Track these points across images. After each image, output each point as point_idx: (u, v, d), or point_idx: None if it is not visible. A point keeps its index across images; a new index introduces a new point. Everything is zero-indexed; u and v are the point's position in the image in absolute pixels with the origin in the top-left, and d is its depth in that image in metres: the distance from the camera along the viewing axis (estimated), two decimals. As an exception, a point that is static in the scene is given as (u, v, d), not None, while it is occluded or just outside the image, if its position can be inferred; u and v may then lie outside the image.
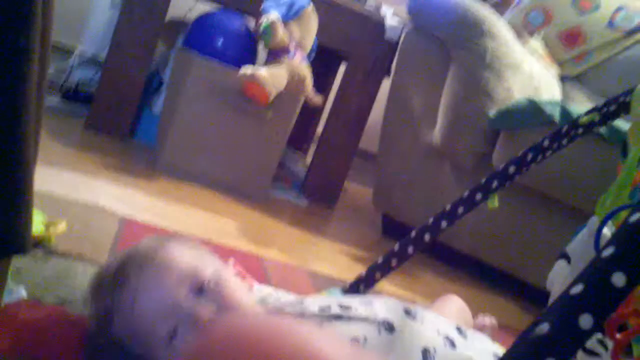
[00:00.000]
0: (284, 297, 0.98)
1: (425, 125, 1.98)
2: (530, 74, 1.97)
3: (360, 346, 0.82)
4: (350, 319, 0.87)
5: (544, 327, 0.44)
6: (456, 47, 1.89)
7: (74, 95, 2.38)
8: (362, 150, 2.96)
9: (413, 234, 1.14)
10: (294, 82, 1.89)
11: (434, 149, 1.96)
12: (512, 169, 1.10)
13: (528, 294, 1.86)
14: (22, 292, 0.90)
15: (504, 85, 1.84)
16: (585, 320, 0.44)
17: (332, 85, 2.66)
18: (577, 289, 0.45)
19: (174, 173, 1.88)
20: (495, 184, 1.10)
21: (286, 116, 1.94)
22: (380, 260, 1.17)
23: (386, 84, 2.23)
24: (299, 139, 2.68)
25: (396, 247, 1.15)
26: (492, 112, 1.80)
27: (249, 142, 1.93)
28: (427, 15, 1.98)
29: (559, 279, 0.93)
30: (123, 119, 2.13)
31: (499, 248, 1.90)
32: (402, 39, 2.12)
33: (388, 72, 2.29)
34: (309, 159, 2.59)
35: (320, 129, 2.52)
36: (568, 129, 1.09)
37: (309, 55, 2.02)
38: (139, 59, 2.11)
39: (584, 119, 1.08)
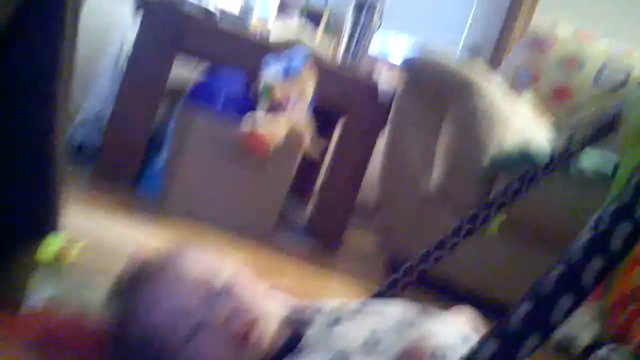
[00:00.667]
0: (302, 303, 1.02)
1: (423, 173, 2.05)
2: (519, 129, 2.06)
3: (377, 339, 0.86)
4: (366, 314, 0.93)
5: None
6: (449, 105, 1.99)
7: (78, 152, 2.44)
8: (364, 201, 3.02)
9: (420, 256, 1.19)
10: (294, 135, 1.97)
11: (432, 196, 2.02)
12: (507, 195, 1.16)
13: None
14: (43, 295, 0.92)
15: (495, 139, 1.94)
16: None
17: (332, 136, 2.74)
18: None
19: (180, 215, 1.94)
20: (494, 209, 1.15)
21: (286, 167, 2.02)
22: (384, 287, 1.21)
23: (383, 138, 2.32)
24: (300, 189, 2.74)
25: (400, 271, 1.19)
26: (485, 162, 1.88)
27: (251, 191, 2.00)
28: (419, 76, 2.08)
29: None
30: (127, 173, 2.19)
31: (502, 283, 1.93)
32: (396, 95, 2.22)
33: (385, 125, 2.37)
34: (311, 208, 2.65)
35: (319, 184, 2.59)
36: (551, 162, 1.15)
37: (308, 107, 2.10)
38: (140, 120, 2.19)
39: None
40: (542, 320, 0.46)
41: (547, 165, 1.15)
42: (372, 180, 2.54)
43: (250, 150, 1.89)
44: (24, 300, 0.84)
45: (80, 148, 2.47)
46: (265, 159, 1.93)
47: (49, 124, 0.67)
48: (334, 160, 2.38)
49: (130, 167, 2.20)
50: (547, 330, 0.46)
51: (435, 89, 2.02)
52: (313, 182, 2.91)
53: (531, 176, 1.16)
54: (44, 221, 0.66)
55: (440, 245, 1.20)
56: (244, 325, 0.84)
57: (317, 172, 2.86)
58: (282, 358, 0.86)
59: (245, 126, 1.87)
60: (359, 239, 2.79)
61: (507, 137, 1.94)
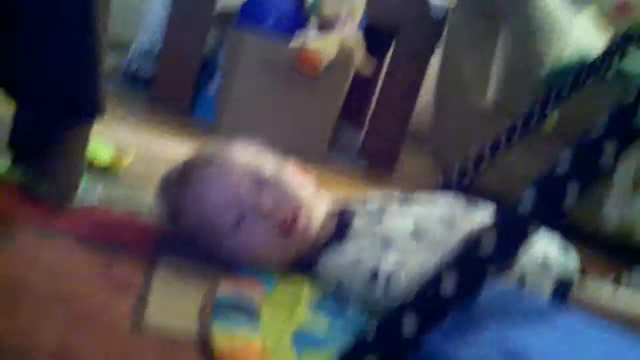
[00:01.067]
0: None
1: (478, 90, 2.00)
2: (580, 39, 1.97)
3: (420, 234, 0.88)
4: (410, 208, 0.94)
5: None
6: (505, 16, 1.92)
7: (134, 79, 2.47)
8: (416, 130, 2.98)
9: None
10: (344, 53, 1.93)
11: (487, 112, 1.97)
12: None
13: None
14: (95, 195, 0.95)
15: (554, 50, 1.86)
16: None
17: (384, 59, 2.69)
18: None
19: (233, 138, 1.94)
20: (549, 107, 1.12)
21: (338, 86, 1.99)
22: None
23: (435, 60, 2.26)
24: (353, 113, 2.72)
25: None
26: (544, 73, 1.81)
27: (303, 111, 1.99)
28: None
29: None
30: (181, 98, 2.21)
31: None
32: (449, 9, 2.16)
33: (437, 47, 2.32)
34: (363, 131, 2.62)
35: (373, 106, 2.56)
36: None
37: (359, 25, 2.06)
38: (193, 43, 2.19)
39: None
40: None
41: (595, 66, 1.10)
42: (425, 104, 2.50)
43: (301, 69, 1.87)
44: (76, 196, 0.86)
45: (135, 77, 2.50)
46: (317, 77, 1.90)
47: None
48: (386, 81, 2.34)
49: (184, 94, 2.22)
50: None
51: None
52: (365, 106, 2.87)
53: (583, 77, 1.11)
54: (89, 105, 0.66)
55: (494, 147, 1.18)
56: (290, 213, 0.85)
57: (370, 95, 2.82)
58: (329, 245, 0.88)
59: (296, 44, 1.85)
60: (413, 163, 2.76)
61: (566, 49, 1.85)
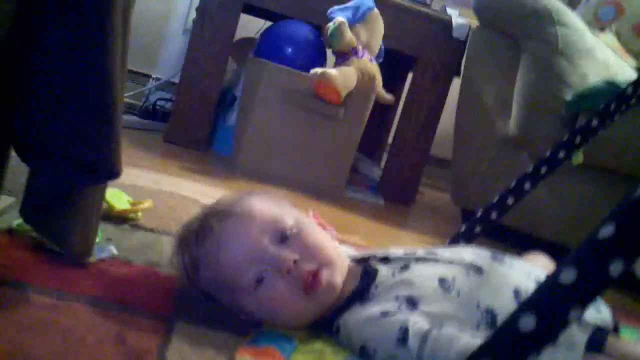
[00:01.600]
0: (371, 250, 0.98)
1: (499, 117, 1.96)
2: (605, 61, 1.92)
3: (449, 283, 0.81)
4: (436, 261, 0.87)
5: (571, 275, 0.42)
6: (527, 38, 1.88)
7: (151, 114, 2.47)
8: (436, 157, 2.95)
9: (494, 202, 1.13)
10: (364, 80, 1.90)
11: (509, 140, 1.93)
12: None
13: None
14: (113, 250, 0.93)
15: (578, 71, 1.80)
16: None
17: (402, 91, 2.66)
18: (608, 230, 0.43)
19: (251, 176, 1.91)
20: (578, 139, 1.08)
21: (358, 114, 1.96)
22: (463, 228, 1.16)
23: (456, 84, 2.23)
24: (371, 147, 2.69)
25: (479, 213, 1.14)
26: (568, 97, 1.76)
27: (322, 143, 1.95)
28: (494, 11, 1.97)
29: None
30: (199, 132, 2.20)
31: (581, 232, 1.83)
32: (470, 36, 2.13)
33: (457, 72, 2.29)
34: (382, 165, 2.59)
35: (392, 137, 2.53)
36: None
37: (377, 57, 2.04)
38: (211, 74, 2.18)
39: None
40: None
41: (630, 94, 1.06)
42: (444, 134, 2.46)
43: (322, 95, 1.84)
44: (92, 251, 0.83)
45: (153, 110, 2.50)
46: (337, 103, 1.87)
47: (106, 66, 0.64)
48: (406, 108, 2.31)
49: (202, 127, 2.21)
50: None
51: (512, 19, 1.90)
52: (383, 137, 2.85)
53: (614, 107, 1.07)
54: (105, 164, 0.64)
55: (519, 184, 1.14)
56: (312, 269, 0.81)
57: (387, 126, 2.80)
58: (351, 304, 0.84)
59: (316, 72, 1.82)
60: (432, 195, 2.72)
61: (590, 72, 1.80)
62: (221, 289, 0.84)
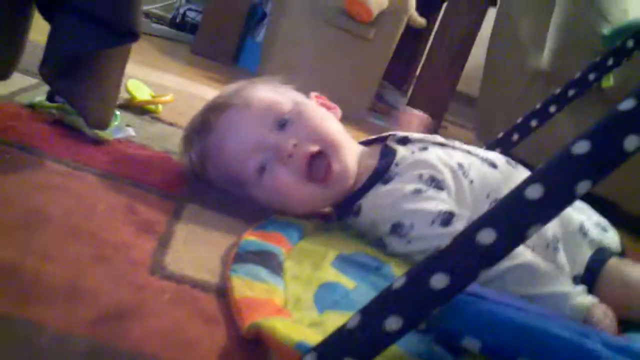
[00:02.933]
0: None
1: (533, 50, 1.90)
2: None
3: (465, 170, 0.81)
4: (454, 148, 0.88)
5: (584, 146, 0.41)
6: (567, -31, 1.81)
7: (181, 25, 2.45)
8: (463, 93, 2.90)
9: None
10: (397, 1, 1.86)
11: (540, 74, 1.88)
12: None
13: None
14: (131, 132, 0.93)
15: (619, 6, 1.74)
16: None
17: (435, 22, 2.60)
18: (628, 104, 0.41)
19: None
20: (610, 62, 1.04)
21: (389, 36, 1.92)
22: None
23: (490, 15, 2.17)
24: (399, 77, 2.65)
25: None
26: (606, 31, 1.70)
27: (350, 63, 1.92)
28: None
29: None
30: (226, 46, 2.18)
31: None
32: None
33: (493, 2, 2.22)
34: (409, 93, 2.56)
35: (420, 67, 2.49)
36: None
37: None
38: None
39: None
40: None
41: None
42: (473, 70, 2.41)
43: (353, 13, 1.80)
44: (109, 122, 0.83)
45: (183, 22, 2.48)
46: (368, 22, 1.82)
47: None
48: (437, 39, 2.26)
49: (229, 41, 2.19)
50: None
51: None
52: (412, 67, 2.80)
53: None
54: (125, 23, 0.63)
55: (539, 113, 1.12)
56: (314, 151, 0.79)
57: (417, 56, 2.75)
58: (373, 184, 0.82)
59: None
60: (456, 131, 2.69)
61: (633, 6, 1.74)
62: (229, 182, 0.84)
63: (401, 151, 0.86)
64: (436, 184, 0.79)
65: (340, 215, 0.86)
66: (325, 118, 0.85)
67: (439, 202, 0.76)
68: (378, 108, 2.30)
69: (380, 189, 0.81)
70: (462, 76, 2.35)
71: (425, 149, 0.86)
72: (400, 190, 0.79)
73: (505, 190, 0.77)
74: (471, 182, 0.81)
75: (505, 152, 1.15)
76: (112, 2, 0.61)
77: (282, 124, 0.81)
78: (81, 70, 0.68)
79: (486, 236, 0.42)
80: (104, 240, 0.61)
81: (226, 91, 0.89)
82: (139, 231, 0.66)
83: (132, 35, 0.64)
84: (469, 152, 0.87)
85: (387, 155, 0.85)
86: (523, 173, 0.86)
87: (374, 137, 0.92)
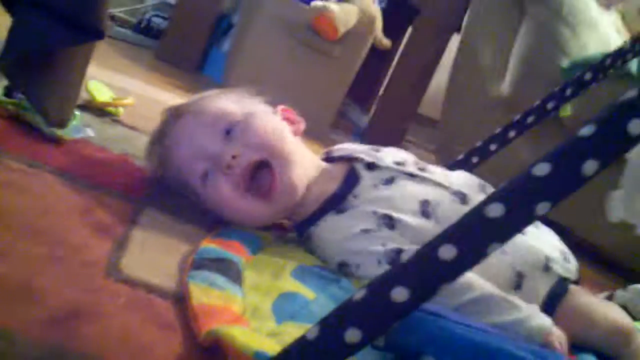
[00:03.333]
0: (358, 147, 0.93)
1: (494, 77, 1.94)
2: (606, 36, 1.91)
3: (432, 208, 0.80)
4: (423, 180, 0.84)
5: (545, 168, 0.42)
6: (532, 1, 1.86)
7: (146, 30, 2.42)
8: (424, 115, 2.94)
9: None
10: (364, 21, 1.87)
11: (501, 101, 1.92)
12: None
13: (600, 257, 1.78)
14: (90, 132, 0.91)
15: (579, 42, 1.79)
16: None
17: (399, 43, 2.63)
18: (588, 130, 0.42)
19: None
20: (568, 92, 1.07)
21: (354, 55, 1.93)
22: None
23: (453, 42, 2.22)
24: (362, 95, 2.67)
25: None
26: (565, 64, 1.75)
27: (314, 79, 1.92)
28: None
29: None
30: (191, 54, 2.16)
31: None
32: (476, -7, 2.11)
33: (458, 29, 2.27)
34: (371, 112, 2.58)
35: (383, 88, 2.51)
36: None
37: (379, 1, 2.01)
38: (207, 3, 2.14)
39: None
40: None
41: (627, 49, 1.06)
42: (434, 93, 2.45)
43: (320, 30, 1.81)
44: (68, 121, 0.81)
45: (148, 28, 2.45)
46: (334, 40, 1.83)
47: None
48: (401, 61, 2.29)
49: (194, 49, 2.17)
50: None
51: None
52: (375, 86, 2.83)
53: (610, 61, 1.07)
54: (90, 21, 0.62)
55: (498, 137, 1.14)
56: (253, 160, 0.78)
57: (380, 76, 2.77)
58: (323, 215, 0.80)
59: (316, 5, 1.79)
60: (416, 152, 2.71)
61: (590, 44, 1.79)
62: (182, 188, 0.83)
63: (366, 180, 0.83)
64: (389, 223, 0.77)
65: (296, 230, 0.85)
66: (277, 129, 0.83)
67: (387, 241, 0.75)
68: (341, 125, 2.31)
69: (333, 220, 0.79)
70: (424, 99, 2.38)
71: (390, 181, 0.83)
72: (349, 229, 0.77)
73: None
74: (437, 221, 0.78)
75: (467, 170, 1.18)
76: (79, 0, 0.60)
77: (227, 132, 0.80)
78: (42, 67, 0.67)
79: (447, 252, 0.42)
80: (58, 240, 0.59)
81: (191, 99, 0.89)
82: (95, 233, 0.65)
83: (96, 34, 0.62)
84: (440, 184, 0.84)
85: (350, 181, 0.83)
86: None
87: (342, 154, 0.90)
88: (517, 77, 1.84)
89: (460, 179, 0.87)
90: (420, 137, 2.91)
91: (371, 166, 0.85)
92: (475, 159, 1.13)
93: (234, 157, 0.77)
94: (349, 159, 0.87)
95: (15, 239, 0.56)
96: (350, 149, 0.90)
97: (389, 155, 0.88)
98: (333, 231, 0.78)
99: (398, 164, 0.86)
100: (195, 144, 0.80)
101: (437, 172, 0.87)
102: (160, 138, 0.84)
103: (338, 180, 0.84)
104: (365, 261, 0.74)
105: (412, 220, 0.78)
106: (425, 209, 0.79)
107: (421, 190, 0.82)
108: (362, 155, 0.86)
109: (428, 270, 0.43)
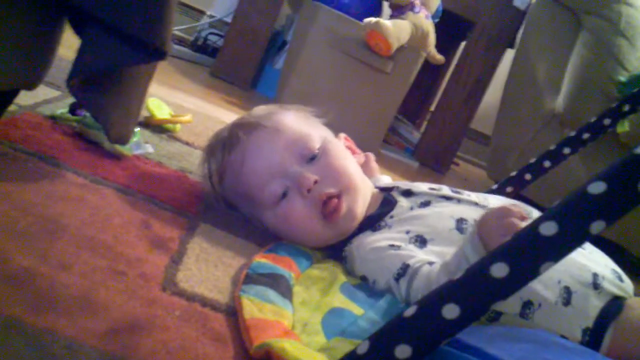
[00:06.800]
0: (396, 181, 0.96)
1: (549, 93, 1.92)
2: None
3: (468, 226, 0.79)
4: (460, 200, 0.85)
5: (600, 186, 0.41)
6: (588, 13, 1.83)
7: (202, 48, 2.48)
8: (476, 130, 2.91)
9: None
10: (417, 36, 1.88)
11: (555, 117, 1.89)
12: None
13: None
14: (149, 148, 0.94)
15: (637, 54, 1.75)
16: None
17: (453, 57, 2.62)
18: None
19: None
20: (626, 107, 1.05)
21: (407, 70, 1.93)
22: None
23: (507, 57, 2.20)
24: (413, 111, 2.67)
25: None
26: (622, 78, 1.72)
27: (366, 95, 1.93)
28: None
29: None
30: (246, 71, 2.21)
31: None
32: (530, 7, 2.09)
33: (511, 44, 2.25)
34: (422, 131, 2.57)
35: (435, 103, 2.50)
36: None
37: (433, 16, 2.00)
38: (264, 15, 2.18)
39: None
40: None
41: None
42: (486, 108, 2.42)
43: (373, 46, 1.82)
44: (129, 137, 0.84)
45: (204, 46, 2.51)
46: (388, 55, 1.84)
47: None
48: (454, 76, 2.28)
49: (249, 66, 2.21)
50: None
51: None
52: (426, 102, 2.82)
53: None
54: (155, 41, 0.64)
55: (552, 154, 1.12)
56: (332, 193, 0.80)
57: (432, 91, 2.77)
58: (363, 230, 0.83)
59: (369, 21, 1.80)
60: (467, 168, 2.69)
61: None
62: (243, 199, 0.85)
63: (402, 203, 0.85)
64: (420, 241, 0.77)
65: (338, 250, 0.86)
66: (349, 161, 0.87)
67: (410, 258, 0.74)
68: (392, 140, 2.31)
69: (365, 236, 0.81)
70: (476, 114, 2.36)
71: (427, 204, 0.84)
72: (375, 243, 0.78)
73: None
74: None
75: (516, 191, 1.16)
76: (143, 20, 0.62)
77: (310, 158, 0.83)
78: (107, 85, 0.70)
79: (499, 270, 0.42)
80: (118, 254, 0.61)
81: (257, 112, 0.91)
82: (152, 247, 0.67)
83: (161, 54, 0.65)
84: (476, 203, 0.85)
85: (387, 204, 0.86)
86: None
87: (380, 186, 0.92)
88: (573, 91, 1.81)
89: (499, 200, 0.87)
90: (471, 152, 2.89)
91: (407, 193, 0.88)
92: (528, 176, 1.12)
93: (315, 182, 0.80)
94: (385, 189, 0.90)
95: (78, 251, 0.58)
96: (387, 182, 0.95)
97: (424, 185, 0.90)
98: (362, 246, 0.80)
99: (433, 189, 0.88)
100: (275, 161, 0.82)
101: (473, 195, 0.88)
102: (228, 146, 0.86)
103: (376, 205, 0.87)
104: (379, 278, 0.75)
105: (447, 235, 0.78)
106: (461, 226, 0.80)
107: (457, 209, 0.83)
108: (398, 184, 0.90)
109: (479, 287, 0.43)
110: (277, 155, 0.82)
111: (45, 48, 0.67)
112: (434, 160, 2.30)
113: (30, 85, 0.68)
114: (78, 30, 0.68)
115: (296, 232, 0.82)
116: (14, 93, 0.72)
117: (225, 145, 0.86)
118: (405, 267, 0.73)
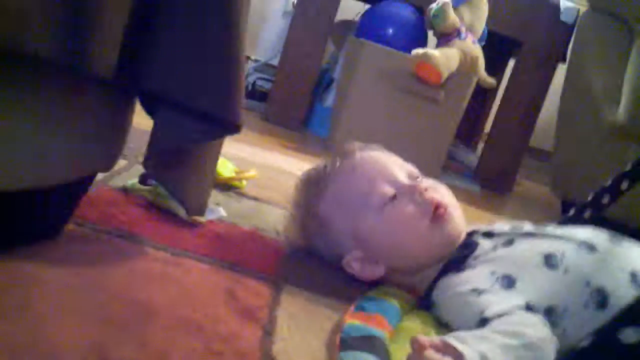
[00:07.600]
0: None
1: (607, 105, 1.86)
2: None
3: (557, 260, 0.76)
4: (544, 235, 0.83)
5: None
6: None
7: (250, 94, 2.51)
8: (535, 147, 2.85)
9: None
10: (466, 63, 1.86)
11: (617, 129, 1.83)
12: None
13: None
14: (222, 212, 0.95)
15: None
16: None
17: (502, 76, 2.59)
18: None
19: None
20: None
21: (459, 97, 1.91)
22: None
23: (559, 72, 2.15)
24: (467, 134, 2.64)
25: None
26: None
27: (421, 126, 1.91)
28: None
29: None
30: (297, 112, 2.22)
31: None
32: (578, 20, 2.05)
33: (563, 58, 2.20)
34: (478, 154, 2.53)
35: (488, 126, 2.47)
36: None
37: (480, 40, 1.98)
38: (311, 56, 2.19)
39: None
40: None
41: None
42: (548, 118, 2.37)
43: (423, 77, 1.80)
44: (205, 208, 0.85)
45: (253, 91, 2.54)
46: (438, 85, 1.82)
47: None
48: (506, 95, 2.24)
49: (299, 108, 2.22)
50: None
51: (627, 2, 1.80)
52: (480, 123, 2.78)
53: None
54: (229, 117, 0.64)
55: (631, 174, 1.08)
56: (440, 199, 0.84)
57: (485, 112, 2.73)
58: (447, 272, 0.82)
59: (417, 53, 1.79)
60: (530, 186, 2.63)
61: None
62: (341, 207, 0.87)
63: (484, 244, 0.84)
64: (507, 282, 0.75)
65: (423, 300, 0.85)
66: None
67: (493, 305, 0.71)
68: (452, 167, 2.28)
69: (450, 279, 0.81)
70: (535, 130, 2.32)
71: (510, 242, 0.83)
72: (459, 287, 0.78)
73: (608, 275, 0.73)
74: (565, 271, 0.75)
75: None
76: (216, 97, 0.63)
77: (415, 177, 0.88)
78: (182, 160, 0.70)
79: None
80: (212, 332, 0.61)
81: (348, 149, 0.94)
82: (242, 319, 0.66)
83: (234, 128, 0.65)
84: (561, 237, 0.81)
85: (468, 246, 0.85)
86: (630, 248, 0.80)
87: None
88: (633, 103, 1.76)
89: (587, 232, 0.83)
90: (533, 170, 2.83)
91: (488, 234, 0.87)
92: (606, 199, 1.08)
93: (426, 189, 0.84)
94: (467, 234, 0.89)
95: (173, 334, 0.58)
96: (469, 227, 0.93)
97: (505, 225, 0.89)
98: (447, 289, 0.80)
99: (514, 227, 0.87)
100: (388, 169, 0.87)
101: (558, 230, 0.85)
102: (339, 157, 0.92)
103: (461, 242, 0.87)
104: (463, 323, 0.73)
105: (536, 272, 0.76)
106: (550, 262, 0.77)
107: (542, 244, 0.80)
108: (477, 228, 0.89)
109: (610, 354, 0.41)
110: (389, 165, 0.88)
111: (120, 132, 0.67)
112: (496, 183, 2.25)
113: (108, 169, 0.69)
114: (149, 109, 0.69)
115: (401, 233, 0.84)
116: (93, 175, 0.73)
117: (338, 155, 0.92)
118: (483, 321, 0.70)
